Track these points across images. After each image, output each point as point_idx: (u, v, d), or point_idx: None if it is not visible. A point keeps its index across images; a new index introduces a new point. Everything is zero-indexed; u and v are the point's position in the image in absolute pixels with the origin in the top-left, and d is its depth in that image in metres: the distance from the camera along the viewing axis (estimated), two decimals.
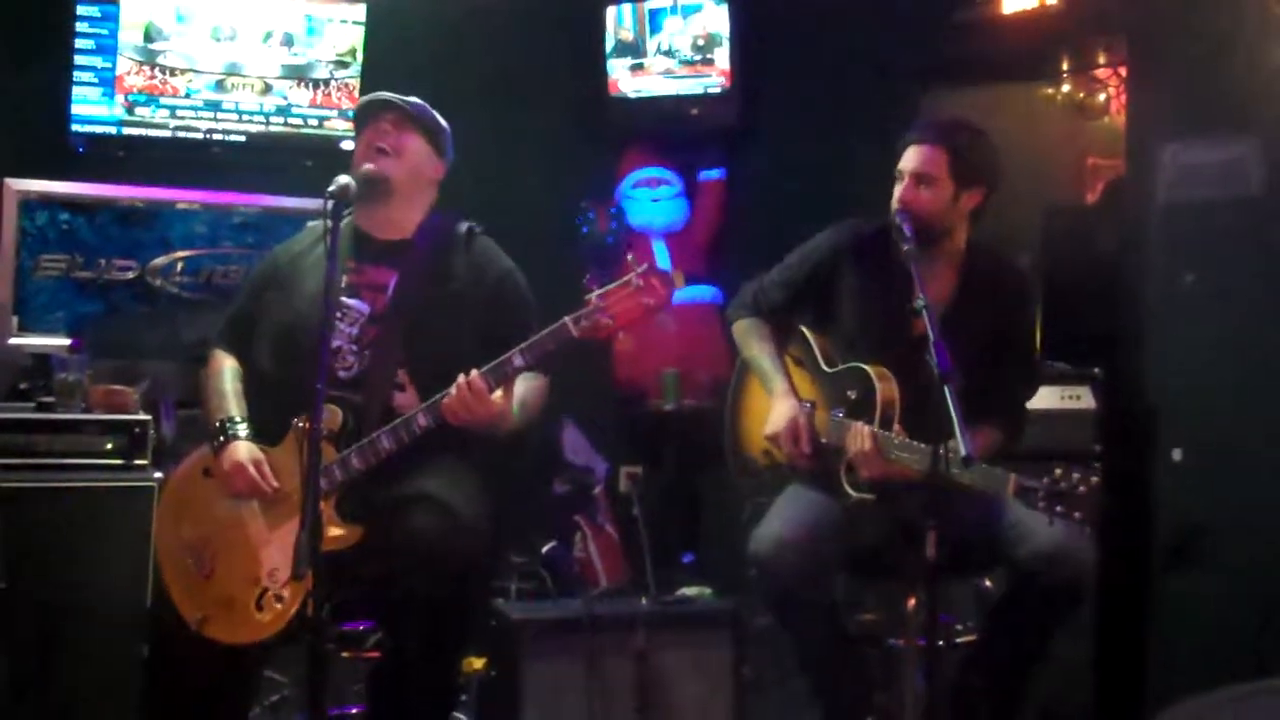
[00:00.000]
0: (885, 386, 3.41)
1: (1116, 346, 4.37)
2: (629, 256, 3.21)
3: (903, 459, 3.26)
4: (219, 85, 5.01)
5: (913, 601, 3.54)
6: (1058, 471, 3.00)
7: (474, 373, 3.13)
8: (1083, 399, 4.24)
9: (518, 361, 3.15)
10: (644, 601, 3.86)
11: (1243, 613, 3.91)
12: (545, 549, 4.87)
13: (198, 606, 3.16)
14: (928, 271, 3.24)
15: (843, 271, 3.61)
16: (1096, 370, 4.29)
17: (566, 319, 3.12)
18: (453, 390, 3.12)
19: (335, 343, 3.29)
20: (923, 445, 3.19)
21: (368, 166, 3.34)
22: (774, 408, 3.54)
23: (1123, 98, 5.25)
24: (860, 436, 3.32)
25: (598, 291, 3.13)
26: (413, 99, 3.43)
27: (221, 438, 3.24)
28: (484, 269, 3.45)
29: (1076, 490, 2.97)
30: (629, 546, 5.07)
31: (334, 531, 3.08)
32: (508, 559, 4.58)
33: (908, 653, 3.53)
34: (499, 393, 3.17)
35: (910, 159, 3.45)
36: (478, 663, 3.79)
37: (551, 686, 3.60)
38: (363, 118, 3.43)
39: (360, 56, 5.15)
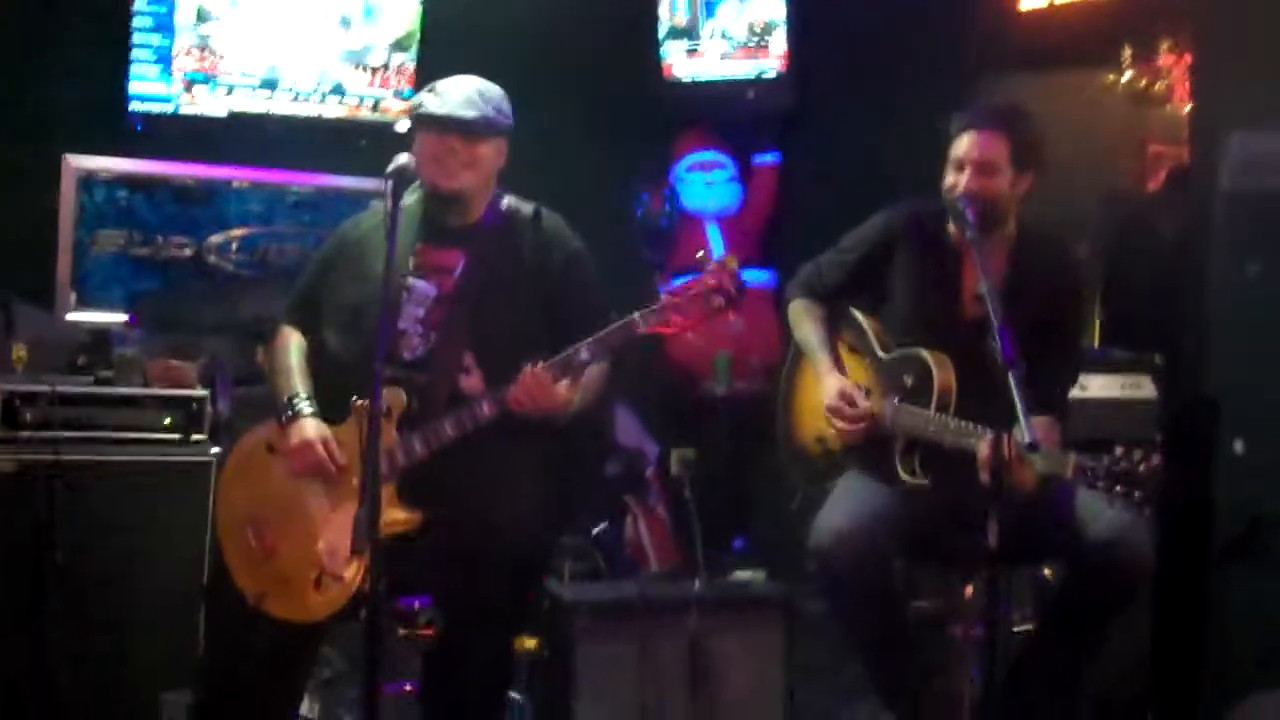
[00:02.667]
0: (942, 373, 3.38)
1: (1178, 336, 4.33)
2: (699, 254, 3.17)
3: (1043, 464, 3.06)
4: (273, 67, 5.03)
5: (970, 590, 3.52)
6: (1118, 451, 2.94)
7: (539, 365, 3.11)
8: (1143, 388, 4.19)
9: (584, 355, 3.13)
10: (697, 584, 3.84)
11: None
12: (596, 530, 4.87)
13: (257, 582, 3.17)
14: (976, 256, 3.22)
15: (897, 254, 3.59)
16: (1157, 359, 4.24)
17: (635, 315, 3.10)
18: (518, 381, 3.11)
19: (401, 325, 3.28)
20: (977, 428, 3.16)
21: (446, 186, 3.30)
22: (822, 384, 3.53)
23: (1185, 85, 5.19)
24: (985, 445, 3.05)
25: (667, 288, 3.11)
26: (479, 114, 3.28)
27: (289, 413, 3.23)
28: (551, 250, 3.41)
29: (1138, 470, 2.91)
30: (679, 529, 5.06)
31: (395, 515, 3.08)
32: (560, 539, 4.57)
33: (965, 641, 3.51)
34: (564, 383, 3.16)
35: (971, 147, 3.40)
36: (530, 643, 3.79)
37: (604, 668, 3.59)
38: (425, 125, 3.30)
39: (417, 39, 5.15)
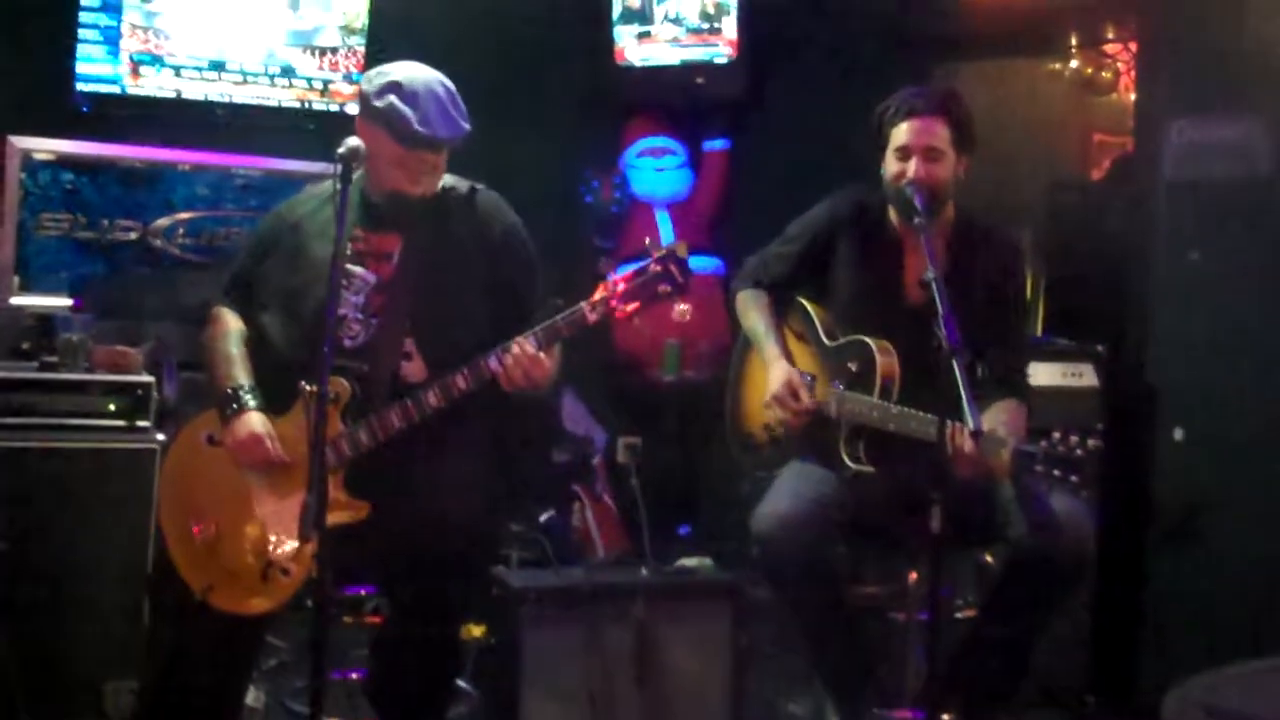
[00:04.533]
0: (885, 360, 3.41)
1: (1120, 324, 4.38)
2: (647, 240, 3.17)
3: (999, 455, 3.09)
4: (221, 49, 4.98)
5: (914, 575, 3.55)
6: (1056, 435, 2.98)
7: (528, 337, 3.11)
8: (1085, 376, 4.23)
9: (531, 344, 3.12)
10: (644, 572, 3.85)
11: (1240, 590, 3.94)
12: (543, 518, 4.87)
13: (203, 576, 3.15)
14: (923, 243, 3.24)
15: (839, 242, 3.60)
16: (1100, 348, 4.28)
17: (583, 305, 3.10)
18: (497, 362, 3.10)
19: (341, 311, 3.26)
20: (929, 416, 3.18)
21: (415, 193, 3.26)
22: (769, 373, 3.55)
23: (1131, 74, 5.24)
24: (960, 435, 3.07)
25: (615, 276, 3.11)
26: (460, 131, 3.24)
27: (234, 406, 3.19)
28: (489, 224, 3.41)
29: (1075, 454, 2.95)
30: (626, 517, 5.07)
31: (341, 507, 3.07)
32: (507, 527, 4.58)
33: (909, 626, 3.54)
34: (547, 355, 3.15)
35: (916, 134, 3.41)
36: (477, 630, 3.79)
37: (551, 655, 3.59)
38: (399, 137, 3.20)
39: (367, 22, 5.12)
